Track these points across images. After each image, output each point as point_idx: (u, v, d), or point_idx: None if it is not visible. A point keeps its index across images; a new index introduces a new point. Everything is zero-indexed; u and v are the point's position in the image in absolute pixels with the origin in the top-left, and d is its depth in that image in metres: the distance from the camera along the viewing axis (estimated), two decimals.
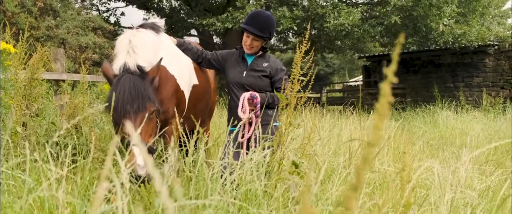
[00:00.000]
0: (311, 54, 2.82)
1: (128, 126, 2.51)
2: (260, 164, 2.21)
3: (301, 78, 2.49)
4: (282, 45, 19.73)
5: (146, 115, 2.59)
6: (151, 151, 2.60)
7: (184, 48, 3.49)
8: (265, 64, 3.35)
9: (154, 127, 2.74)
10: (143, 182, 2.41)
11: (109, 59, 2.94)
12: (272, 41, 19.37)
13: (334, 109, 13.45)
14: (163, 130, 3.03)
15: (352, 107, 10.01)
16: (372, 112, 10.30)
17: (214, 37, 19.17)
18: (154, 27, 3.20)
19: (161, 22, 3.41)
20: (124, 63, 2.70)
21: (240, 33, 3.45)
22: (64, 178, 1.52)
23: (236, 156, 3.06)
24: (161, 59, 2.80)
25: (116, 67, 2.74)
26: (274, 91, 3.32)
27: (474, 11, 14.24)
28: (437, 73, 15.56)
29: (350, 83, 24.23)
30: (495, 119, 9.78)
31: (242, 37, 3.38)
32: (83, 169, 1.80)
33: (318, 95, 20.10)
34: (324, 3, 12.99)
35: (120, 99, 2.53)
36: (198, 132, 2.13)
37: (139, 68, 2.69)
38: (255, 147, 2.96)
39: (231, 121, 3.39)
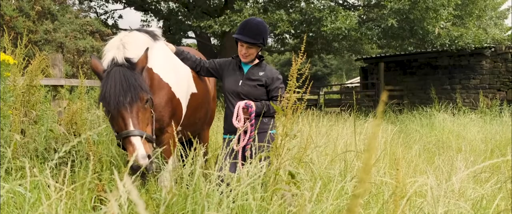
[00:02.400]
0: (308, 66, 2.85)
1: (125, 117, 2.53)
2: (256, 176, 2.23)
3: (297, 90, 2.51)
4: (279, 47, 19.81)
5: (141, 105, 2.61)
6: (150, 140, 2.63)
7: (183, 57, 3.51)
8: (261, 73, 3.36)
9: (150, 116, 2.75)
10: (143, 173, 2.43)
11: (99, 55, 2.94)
12: (270, 43, 19.45)
13: (331, 111, 13.49)
14: (163, 146, 3.04)
15: (349, 110, 10.04)
16: (369, 114, 10.34)
17: (211, 39, 19.20)
18: (150, 33, 3.22)
19: (158, 30, 3.44)
20: (113, 57, 2.72)
21: None
22: (64, 195, 1.54)
23: (233, 166, 3.08)
24: (147, 48, 2.77)
25: (105, 62, 2.76)
26: (270, 100, 3.34)
27: (471, 14, 14.30)
28: (434, 75, 15.61)
29: (348, 85, 24.25)
30: (492, 121, 9.83)
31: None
32: (83, 185, 1.82)
33: (316, 97, 20.10)
34: (322, 7, 13.01)
35: (113, 92, 2.55)
36: (195, 149, 2.16)
37: (127, 60, 2.70)
38: (251, 156, 2.98)
39: (227, 129, 3.43)
